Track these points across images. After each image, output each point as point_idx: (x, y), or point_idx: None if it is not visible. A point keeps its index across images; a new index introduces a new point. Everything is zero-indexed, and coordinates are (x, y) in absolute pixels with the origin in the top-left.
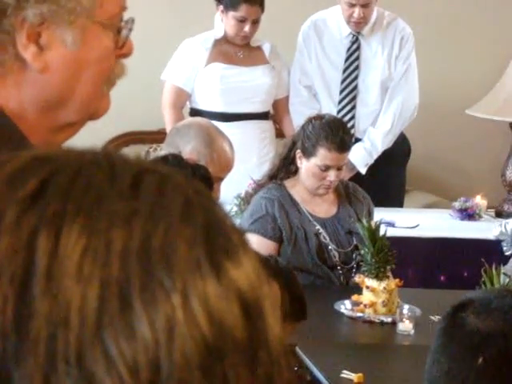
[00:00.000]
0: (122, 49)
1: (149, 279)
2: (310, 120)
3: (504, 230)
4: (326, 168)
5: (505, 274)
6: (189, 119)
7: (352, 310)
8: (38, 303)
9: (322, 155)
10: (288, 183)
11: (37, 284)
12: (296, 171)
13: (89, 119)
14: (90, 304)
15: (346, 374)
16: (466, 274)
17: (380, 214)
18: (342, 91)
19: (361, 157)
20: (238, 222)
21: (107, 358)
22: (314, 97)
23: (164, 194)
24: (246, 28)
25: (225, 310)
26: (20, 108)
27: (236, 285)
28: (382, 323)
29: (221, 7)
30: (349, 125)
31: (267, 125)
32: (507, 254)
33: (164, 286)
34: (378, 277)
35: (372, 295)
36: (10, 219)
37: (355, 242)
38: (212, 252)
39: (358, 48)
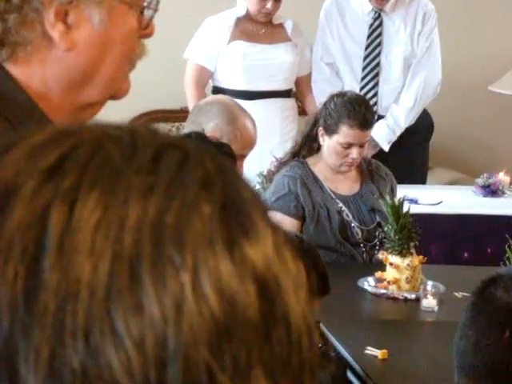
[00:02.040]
0: (145, 29)
1: (159, 256)
2: (332, 97)
3: None
4: (349, 145)
5: None
6: (211, 97)
7: (376, 286)
8: (48, 276)
9: (345, 132)
10: (310, 161)
11: (48, 257)
12: (318, 149)
13: (109, 99)
14: (99, 278)
15: (370, 351)
16: (489, 251)
17: (403, 191)
18: (364, 68)
19: (384, 134)
20: None
21: (114, 333)
22: (336, 74)
23: (184, 169)
24: (269, 5)
25: (237, 288)
26: (44, 87)
27: (251, 263)
28: (406, 300)
29: None
30: (371, 102)
31: (289, 103)
32: None
33: (174, 263)
34: (402, 253)
35: (395, 272)
36: (26, 191)
37: (378, 220)
38: (227, 229)
39: (381, 24)
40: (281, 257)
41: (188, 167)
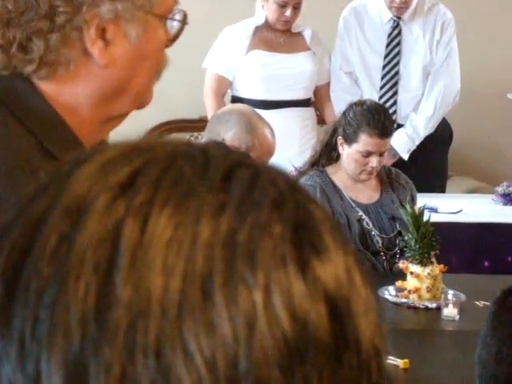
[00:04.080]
0: (173, 41)
1: (231, 274)
2: (351, 106)
3: None
4: (368, 154)
5: None
6: (229, 106)
7: (396, 295)
8: (120, 292)
9: (364, 141)
10: (330, 170)
11: (120, 273)
12: (338, 158)
13: (134, 109)
14: (171, 296)
15: (392, 360)
16: (510, 259)
17: (422, 200)
18: (383, 77)
19: (403, 143)
20: None
21: (186, 352)
22: (355, 83)
23: (255, 188)
24: (287, 13)
25: (309, 309)
26: (74, 101)
27: (323, 284)
28: (427, 309)
29: None
30: (390, 110)
31: (308, 112)
32: None
33: (246, 282)
34: (423, 262)
35: (416, 281)
36: (99, 206)
37: (398, 228)
38: (299, 249)
39: (399, 33)
40: (352, 279)
41: (259, 186)
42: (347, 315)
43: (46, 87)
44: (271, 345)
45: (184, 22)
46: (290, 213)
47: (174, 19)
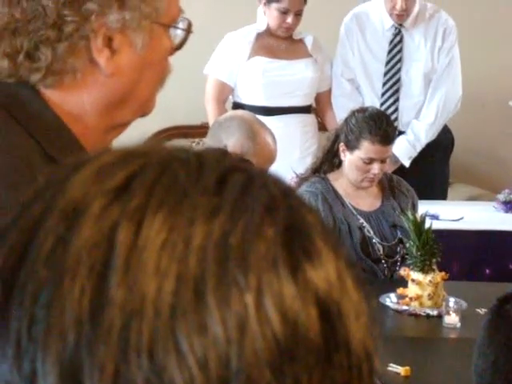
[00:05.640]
0: (178, 49)
1: (223, 276)
2: (353, 113)
3: None
4: (370, 161)
5: None
6: (231, 112)
7: (397, 303)
8: (114, 293)
9: (366, 148)
10: (331, 176)
11: (114, 275)
12: (339, 164)
13: (139, 117)
14: (164, 297)
15: (393, 367)
16: (511, 267)
17: (424, 207)
18: (384, 84)
19: (404, 149)
20: None
21: (178, 352)
22: (356, 90)
23: (248, 192)
24: (289, 19)
25: (300, 311)
26: (79, 109)
27: (314, 286)
28: (428, 316)
29: (263, 0)
30: (392, 117)
31: (309, 118)
32: None
33: (238, 284)
34: (424, 270)
35: (418, 288)
36: (94, 210)
37: (399, 235)
38: (291, 252)
39: (401, 40)
40: (343, 282)
41: (252, 190)
42: (338, 318)
43: (51, 95)
44: (262, 346)
45: (189, 30)
46: (282, 217)
47: (179, 28)
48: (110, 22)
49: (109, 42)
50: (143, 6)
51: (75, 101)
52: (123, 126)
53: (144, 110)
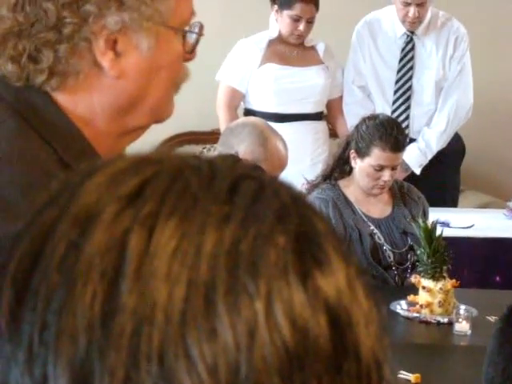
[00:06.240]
0: (191, 53)
1: (234, 283)
2: (364, 120)
3: None
4: (381, 168)
5: None
6: (242, 119)
7: (408, 310)
8: (125, 299)
9: (377, 155)
10: (342, 183)
11: (125, 281)
12: (350, 171)
13: (154, 123)
14: (175, 304)
15: (404, 375)
16: None
17: (434, 214)
18: (396, 91)
19: (415, 157)
20: None
21: (188, 358)
22: (367, 97)
23: (259, 199)
24: (301, 27)
25: (309, 319)
26: (90, 113)
27: (324, 294)
28: (439, 324)
29: (275, 7)
30: (403, 125)
31: (321, 125)
32: None
33: (248, 291)
34: (435, 277)
35: (428, 295)
36: (107, 216)
37: (410, 243)
38: (301, 260)
39: (413, 48)
40: (353, 290)
41: (264, 198)
42: (347, 325)
43: (62, 99)
44: (272, 352)
45: (200, 33)
46: (293, 225)
47: (189, 31)
48: (110, 24)
49: (113, 44)
50: (143, 8)
51: (85, 104)
52: (137, 131)
53: (158, 115)
